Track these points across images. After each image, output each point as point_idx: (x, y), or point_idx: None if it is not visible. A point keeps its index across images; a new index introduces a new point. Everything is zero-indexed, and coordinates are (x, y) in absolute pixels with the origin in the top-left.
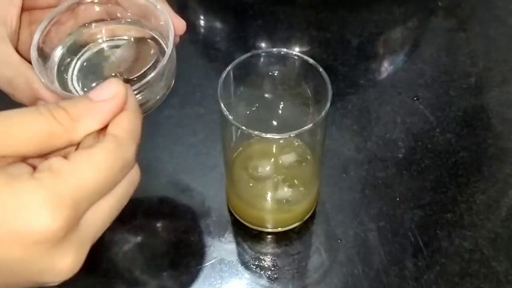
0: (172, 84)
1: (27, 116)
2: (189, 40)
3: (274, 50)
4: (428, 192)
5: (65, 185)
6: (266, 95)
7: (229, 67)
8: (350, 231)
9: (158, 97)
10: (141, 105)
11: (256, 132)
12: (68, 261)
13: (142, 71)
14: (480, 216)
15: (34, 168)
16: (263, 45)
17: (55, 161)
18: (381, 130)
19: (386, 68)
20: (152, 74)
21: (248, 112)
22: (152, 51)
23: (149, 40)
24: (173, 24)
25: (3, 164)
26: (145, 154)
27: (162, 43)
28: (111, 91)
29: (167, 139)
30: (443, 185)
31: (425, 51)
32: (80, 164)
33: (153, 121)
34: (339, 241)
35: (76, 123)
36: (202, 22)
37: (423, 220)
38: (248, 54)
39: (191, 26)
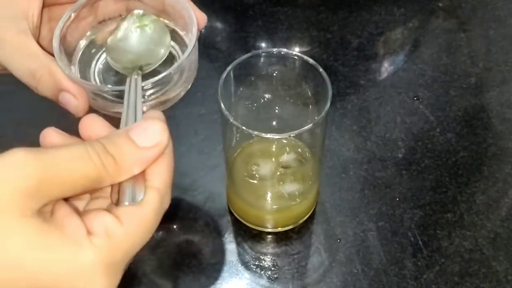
0: (194, 78)
1: (77, 161)
2: None
3: (274, 50)
4: (428, 192)
5: (120, 252)
6: (266, 95)
7: (230, 67)
8: (349, 231)
9: (179, 91)
10: (161, 98)
11: (256, 132)
12: None
13: (160, 55)
14: (480, 216)
15: (75, 209)
16: (263, 45)
17: (110, 224)
18: (381, 130)
19: (386, 68)
20: (175, 65)
21: (248, 112)
22: (167, 35)
23: (166, 24)
24: (196, 18)
25: (49, 208)
26: None
27: (182, 36)
28: (156, 138)
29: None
30: (443, 185)
31: (425, 51)
32: (132, 228)
33: None
34: (338, 241)
35: (122, 171)
36: None
37: (422, 220)
38: (249, 54)
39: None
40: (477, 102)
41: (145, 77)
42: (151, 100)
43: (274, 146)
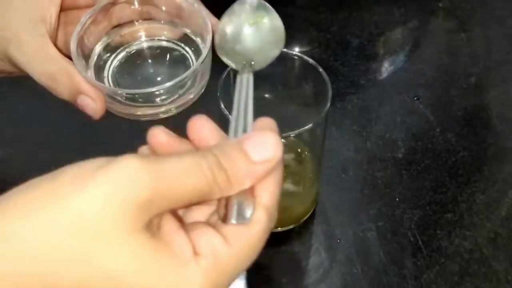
0: (207, 82)
1: (190, 174)
2: None
3: None
4: (428, 192)
5: (226, 275)
6: (266, 95)
7: (229, 67)
8: (349, 231)
9: (192, 96)
10: (175, 103)
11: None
12: None
13: (271, 61)
14: (480, 216)
15: (179, 219)
16: None
17: (217, 245)
18: (381, 130)
19: (386, 68)
20: (188, 72)
21: None
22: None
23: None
24: (211, 24)
25: (157, 221)
26: None
27: (196, 40)
28: (270, 152)
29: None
30: (443, 185)
31: (425, 51)
32: (240, 250)
33: (153, 121)
34: (338, 241)
35: (232, 185)
36: None
37: (422, 220)
38: None
39: None
40: (477, 102)
41: (157, 82)
42: (165, 104)
43: None
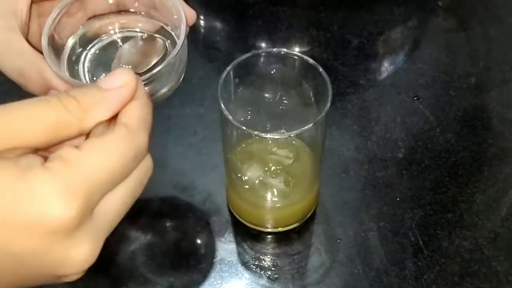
0: (183, 76)
1: (36, 106)
2: (189, 40)
3: (274, 50)
4: (428, 192)
5: (77, 175)
6: (266, 95)
7: (229, 67)
8: (350, 231)
9: (168, 89)
10: (151, 96)
11: (256, 132)
12: (83, 251)
13: (151, 65)
14: (480, 216)
15: (46, 159)
16: (263, 45)
17: (66, 150)
18: (381, 130)
19: (386, 68)
20: (163, 64)
21: (248, 112)
22: (159, 45)
23: (156, 36)
24: (185, 15)
25: (14, 155)
26: None
27: (172, 34)
28: (122, 80)
29: (167, 139)
30: (443, 185)
31: (425, 51)
32: (92, 153)
33: (153, 121)
34: (339, 241)
35: (87, 112)
36: (202, 22)
37: (423, 220)
38: (248, 54)
39: (191, 26)
40: (477, 102)
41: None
42: None
43: (274, 146)
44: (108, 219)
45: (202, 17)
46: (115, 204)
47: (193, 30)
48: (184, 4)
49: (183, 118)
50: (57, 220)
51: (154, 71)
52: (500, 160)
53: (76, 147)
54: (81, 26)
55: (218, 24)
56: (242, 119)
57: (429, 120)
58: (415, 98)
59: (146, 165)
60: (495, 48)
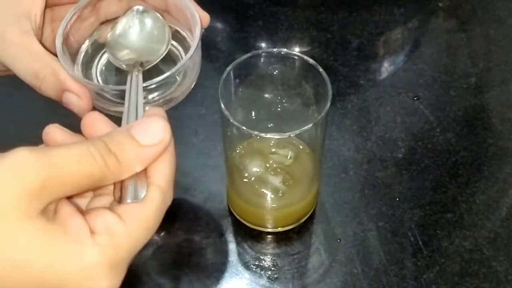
0: (197, 78)
1: (80, 160)
2: None
3: (274, 50)
4: (428, 192)
5: (123, 251)
6: (266, 95)
7: (230, 67)
8: (349, 231)
9: (182, 91)
10: (165, 98)
11: (256, 132)
12: None
13: (159, 59)
14: (480, 216)
15: (78, 208)
16: (263, 45)
17: (113, 223)
18: (381, 130)
19: (386, 68)
20: (177, 67)
21: (248, 112)
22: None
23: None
24: (199, 18)
25: (53, 207)
26: None
27: (186, 36)
28: (158, 135)
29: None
30: (443, 185)
31: (425, 51)
32: (135, 226)
33: None
34: (338, 241)
35: (125, 169)
36: None
37: (422, 220)
38: (249, 54)
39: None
40: (477, 102)
41: (149, 77)
42: (155, 100)
43: (274, 146)
44: (132, 255)
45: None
46: (137, 246)
47: None
48: (198, 7)
49: (184, 118)
50: None
51: (166, 74)
52: (500, 160)
53: (119, 216)
54: (94, 30)
55: (219, 25)
56: (242, 119)
57: (429, 120)
58: (415, 98)
59: (167, 203)
60: (495, 49)
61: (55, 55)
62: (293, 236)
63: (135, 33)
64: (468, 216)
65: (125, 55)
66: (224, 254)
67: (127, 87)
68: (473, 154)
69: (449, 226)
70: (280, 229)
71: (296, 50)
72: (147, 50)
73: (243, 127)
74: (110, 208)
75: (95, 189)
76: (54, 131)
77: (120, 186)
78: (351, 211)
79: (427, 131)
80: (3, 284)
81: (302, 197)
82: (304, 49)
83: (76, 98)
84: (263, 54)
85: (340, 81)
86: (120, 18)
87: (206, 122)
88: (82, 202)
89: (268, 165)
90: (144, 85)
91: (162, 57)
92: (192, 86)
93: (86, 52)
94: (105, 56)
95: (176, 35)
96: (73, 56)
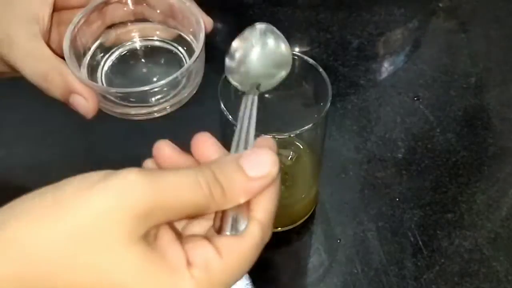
0: (200, 80)
1: (188, 188)
2: None
3: None
4: (428, 192)
5: (218, 286)
6: (266, 95)
7: None
8: (349, 231)
9: (186, 94)
10: (170, 101)
11: (256, 132)
12: None
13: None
14: (480, 216)
15: (176, 232)
16: None
17: (210, 257)
18: (381, 130)
19: (386, 68)
20: (181, 71)
21: None
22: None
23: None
24: (203, 22)
25: (154, 232)
26: (146, 155)
27: (190, 40)
28: (266, 169)
29: (167, 139)
30: (443, 185)
31: (426, 51)
32: (231, 262)
33: (153, 121)
34: (338, 241)
35: (228, 199)
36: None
37: (422, 220)
38: None
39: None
40: (477, 102)
41: (151, 82)
42: (159, 103)
43: None
44: None
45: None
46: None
47: None
48: (202, 12)
49: (184, 118)
50: None
51: (172, 76)
52: (500, 160)
53: (217, 250)
54: (100, 34)
55: (218, 25)
56: None
57: (429, 120)
58: (415, 98)
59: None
60: (495, 49)
61: (62, 57)
62: (293, 236)
63: (256, 55)
64: (468, 216)
65: (243, 77)
66: None
67: (241, 108)
68: (473, 154)
69: (449, 226)
70: (280, 229)
71: (296, 50)
72: (266, 73)
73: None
74: (207, 237)
75: (197, 216)
76: (164, 148)
77: (221, 215)
78: (351, 211)
79: (427, 131)
80: None
81: (302, 197)
82: (304, 49)
83: (83, 100)
84: None
85: (340, 81)
86: (242, 34)
87: (206, 122)
88: (178, 224)
89: None
90: (148, 87)
91: (279, 82)
92: (196, 89)
93: (92, 55)
94: (111, 59)
95: (179, 39)
96: (79, 58)
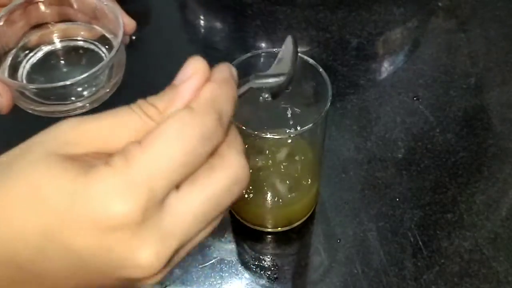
0: (121, 79)
1: (122, 116)
2: (189, 40)
3: (273, 50)
4: (428, 192)
5: (138, 168)
6: (266, 95)
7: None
8: (349, 231)
9: (107, 91)
10: (92, 97)
11: (256, 132)
12: (147, 253)
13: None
14: (480, 216)
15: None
16: (262, 45)
17: (129, 145)
18: (380, 130)
19: (386, 68)
20: (98, 66)
21: (248, 112)
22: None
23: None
24: (123, 23)
25: (90, 158)
26: None
27: (112, 39)
28: (191, 68)
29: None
30: (443, 185)
31: (425, 51)
32: (152, 143)
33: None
34: (338, 241)
35: (165, 113)
36: (202, 22)
37: (422, 220)
38: (248, 54)
39: (191, 26)
40: (477, 102)
41: (73, 76)
42: (78, 101)
43: (274, 146)
44: (179, 223)
45: (201, 17)
46: (189, 206)
47: (193, 30)
48: (124, 14)
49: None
50: (119, 216)
51: (89, 72)
52: (500, 160)
53: (138, 140)
54: (24, 34)
55: (218, 24)
56: (242, 119)
57: (429, 120)
58: (415, 98)
59: (237, 172)
60: (495, 49)
61: None
62: (293, 236)
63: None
64: (468, 216)
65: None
66: (224, 254)
67: None
68: (473, 154)
69: (449, 226)
70: (280, 229)
71: None
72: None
73: (243, 127)
74: None
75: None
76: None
77: None
78: (351, 211)
79: (427, 131)
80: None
81: (302, 197)
82: (303, 49)
83: None
84: (262, 54)
85: (339, 81)
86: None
87: None
88: None
89: (268, 165)
90: (61, 83)
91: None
92: (116, 87)
93: (14, 55)
94: (33, 59)
95: (103, 39)
96: (1, 57)
